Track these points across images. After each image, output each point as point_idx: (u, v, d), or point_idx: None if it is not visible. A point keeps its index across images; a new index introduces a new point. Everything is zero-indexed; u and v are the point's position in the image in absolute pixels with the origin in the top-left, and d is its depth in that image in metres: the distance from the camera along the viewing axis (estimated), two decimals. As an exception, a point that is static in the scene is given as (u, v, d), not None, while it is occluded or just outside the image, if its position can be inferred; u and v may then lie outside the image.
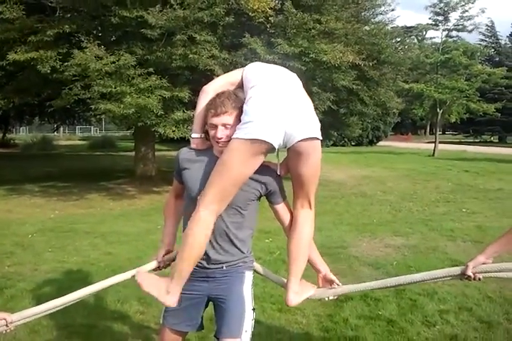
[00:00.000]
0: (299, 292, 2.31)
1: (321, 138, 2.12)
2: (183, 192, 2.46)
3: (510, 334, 3.59)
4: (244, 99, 2.20)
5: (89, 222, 8.01)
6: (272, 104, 2.07)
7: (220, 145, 2.22)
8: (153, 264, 2.42)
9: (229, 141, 2.17)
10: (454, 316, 4.00)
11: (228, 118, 2.19)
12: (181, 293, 2.34)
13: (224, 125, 2.19)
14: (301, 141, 2.05)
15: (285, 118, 2.03)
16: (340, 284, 2.39)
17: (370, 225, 7.76)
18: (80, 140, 37.75)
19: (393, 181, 13.70)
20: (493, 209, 9.11)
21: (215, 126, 2.20)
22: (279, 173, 2.28)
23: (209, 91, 2.34)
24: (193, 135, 2.37)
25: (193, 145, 2.37)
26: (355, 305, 4.21)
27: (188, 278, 2.26)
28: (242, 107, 2.21)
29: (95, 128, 48.91)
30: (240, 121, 2.17)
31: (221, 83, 2.40)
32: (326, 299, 2.41)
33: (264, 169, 2.23)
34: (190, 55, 8.71)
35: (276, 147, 2.07)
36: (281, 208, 2.34)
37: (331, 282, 2.40)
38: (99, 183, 12.62)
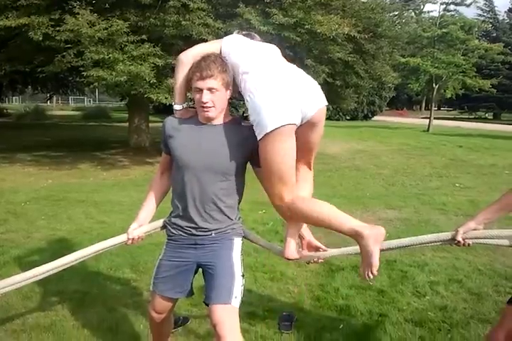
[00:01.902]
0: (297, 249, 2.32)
1: (326, 103, 2.14)
2: (169, 166, 2.44)
3: (499, 305, 3.63)
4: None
5: (83, 191, 8.00)
6: (277, 90, 2.02)
7: (205, 109, 2.20)
8: (124, 237, 2.40)
9: (214, 106, 2.19)
10: (444, 287, 4.04)
11: (214, 83, 2.16)
12: (170, 260, 2.38)
13: (209, 89, 2.16)
14: (318, 111, 2.07)
15: (295, 98, 2.02)
16: (326, 249, 2.38)
17: (363, 198, 7.79)
18: (73, 110, 37.36)
19: (387, 155, 13.71)
20: (486, 184, 9.15)
21: (200, 90, 2.16)
22: None
23: (186, 62, 2.28)
24: (176, 106, 2.34)
25: (177, 116, 2.35)
26: (346, 275, 4.24)
27: (176, 246, 2.36)
28: (227, 71, 2.20)
29: (89, 99, 48.51)
30: (226, 86, 2.19)
31: (198, 52, 2.31)
32: (312, 261, 2.40)
33: (246, 131, 2.21)
34: (184, 22, 8.59)
35: (299, 124, 2.06)
36: None
37: (316, 248, 2.39)
38: (92, 153, 12.58)
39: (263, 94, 2.03)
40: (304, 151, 2.21)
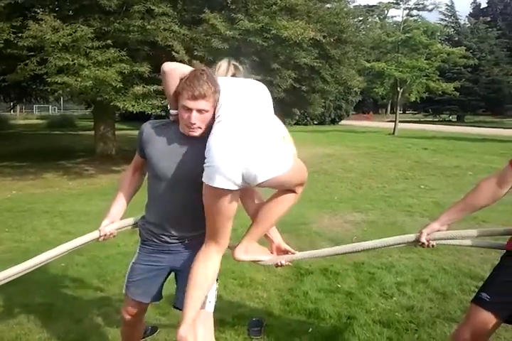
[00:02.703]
0: (249, 251, 2.29)
1: (286, 169, 1.98)
2: (142, 166, 2.43)
3: (464, 304, 3.70)
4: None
5: (48, 202, 7.86)
6: (231, 148, 1.91)
7: (191, 129, 2.15)
8: (96, 234, 2.39)
9: (200, 127, 2.13)
10: (411, 288, 4.10)
11: (205, 104, 2.08)
12: (143, 264, 2.39)
13: (199, 110, 2.09)
14: (265, 181, 1.95)
15: (244, 162, 1.90)
16: (295, 252, 2.39)
17: (331, 202, 7.86)
18: (37, 119, 36.65)
19: (354, 159, 13.86)
20: (451, 186, 9.33)
21: (190, 110, 2.09)
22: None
23: (175, 75, 2.16)
24: (172, 112, 2.26)
25: (173, 119, 2.28)
26: (315, 278, 4.27)
27: (150, 250, 2.36)
28: (218, 91, 2.12)
29: (53, 107, 47.59)
30: (214, 106, 2.11)
31: (185, 69, 2.20)
32: (279, 264, 2.38)
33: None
34: (148, 26, 8.54)
35: (237, 188, 1.97)
36: None
37: (285, 252, 2.40)
38: (57, 163, 12.38)
39: (214, 149, 1.94)
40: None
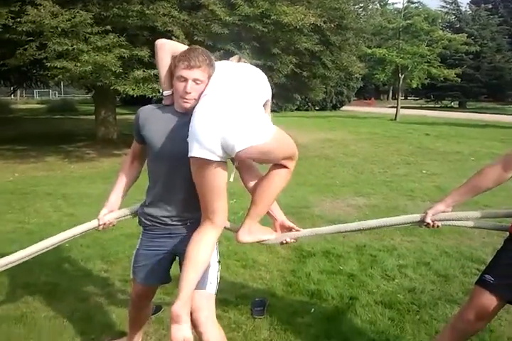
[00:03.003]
0: (252, 232, 2.29)
1: (265, 139, 1.97)
2: (141, 154, 2.44)
3: (466, 286, 3.73)
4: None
5: (51, 184, 7.88)
6: (208, 118, 1.95)
7: (185, 100, 2.16)
8: (95, 223, 2.40)
9: (194, 98, 2.14)
10: (413, 270, 4.13)
11: (200, 74, 2.12)
12: (147, 250, 2.40)
13: (195, 80, 2.12)
14: (243, 150, 1.95)
15: (221, 131, 1.93)
16: (299, 229, 2.40)
17: (332, 186, 7.87)
18: (38, 103, 36.53)
19: (356, 144, 13.85)
20: (452, 171, 9.34)
21: (185, 80, 2.12)
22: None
23: (167, 48, 2.23)
24: (165, 93, 2.29)
25: (166, 103, 2.31)
26: (317, 260, 4.30)
27: (152, 236, 2.37)
28: (213, 66, 2.16)
29: (54, 92, 47.40)
30: (208, 80, 2.15)
31: (177, 45, 2.28)
32: (284, 241, 2.39)
33: None
34: (147, 12, 8.47)
35: (219, 159, 1.99)
36: None
37: (289, 229, 2.41)
38: (59, 146, 12.36)
39: (195, 119, 2.00)
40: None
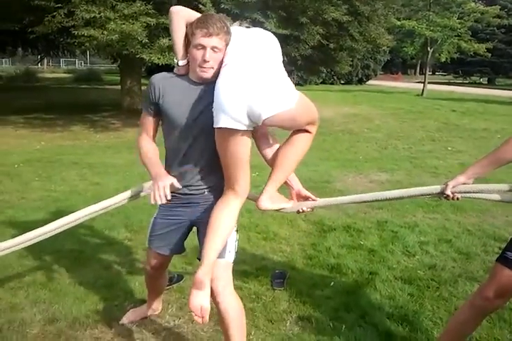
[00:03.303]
0: (274, 199, 2.27)
1: (290, 105, 1.98)
2: (155, 128, 2.36)
3: (487, 264, 3.72)
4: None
5: (77, 153, 8.00)
6: (234, 87, 1.94)
7: (204, 69, 2.12)
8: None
9: (212, 67, 2.12)
10: (434, 247, 4.12)
11: (219, 42, 2.08)
12: (164, 219, 2.40)
13: (213, 48, 2.08)
14: (269, 117, 1.95)
15: (247, 100, 1.92)
16: (316, 199, 2.37)
17: (356, 161, 7.83)
18: (64, 73, 36.76)
19: (381, 119, 13.70)
20: (478, 148, 9.21)
21: (204, 48, 2.08)
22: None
23: (182, 15, 2.17)
24: (181, 62, 2.22)
25: (180, 72, 2.25)
26: (338, 235, 4.31)
27: (170, 205, 2.33)
28: (230, 34, 2.13)
29: (80, 61, 47.60)
30: (226, 48, 2.12)
31: (192, 12, 2.20)
32: (301, 210, 2.36)
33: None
34: None
35: (245, 128, 1.99)
36: None
37: (305, 198, 2.38)
38: (84, 116, 12.50)
39: (219, 90, 1.98)
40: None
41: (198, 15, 2.18)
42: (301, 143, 2.21)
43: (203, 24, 2.07)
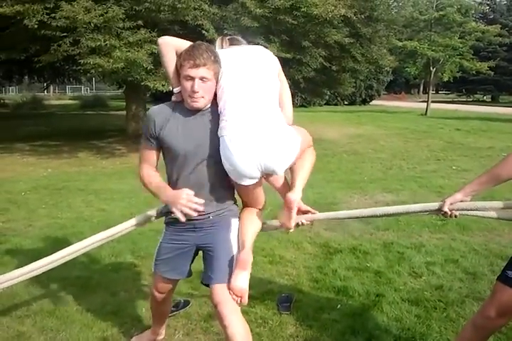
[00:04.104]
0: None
1: (297, 152, 2.22)
2: (155, 161, 2.40)
3: (494, 284, 3.69)
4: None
5: (82, 180, 8.06)
6: (248, 154, 2.10)
7: (194, 99, 2.18)
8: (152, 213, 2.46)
9: (203, 97, 2.18)
10: (441, 268, 4.10)
11: (206, 72, 2.14)
12: (170, 243, 2.44)
13: (201, 78, 2.14)
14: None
15: (261, 162, 2.12)
16: (315, 212, 2.45)
17: (361, 182, 7.84)
18: (70, 99, 37.17)
19: (385, 139, 13.74)
20: (483, 167, 9.15)
21: (192, 79, 2.14)
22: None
23: (170, 46, 2.24)
24: (175, 90, 2.29)
25: (175, 99, 2.31)
26: (344, 257, 4.31)
27: (175, 229, 2.42)
28: (218, 62, 2.18)
29: (86, 88, 48.22)
30: (216, 77, 2.19)
31: (180, 42, 2.28)
32: (300, 223, 2.42)
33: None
34: (179, 5, 8.53)
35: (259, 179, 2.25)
36: None
37: (305, 212, 2.44)
38: (90, 142, 12.62)
39: (230, 150, 2.10)
40: None
41: (187, 44, 2.25)
42: (308, 155, 2.40)
43: (190, 56, 2.13)
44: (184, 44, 2.25)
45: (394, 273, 3.97)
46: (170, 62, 2.25)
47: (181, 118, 2.27)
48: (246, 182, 2.20)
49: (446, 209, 2.21)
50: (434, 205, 2.28)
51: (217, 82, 2.23)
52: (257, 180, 2.22)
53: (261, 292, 3.57)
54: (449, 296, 3.53)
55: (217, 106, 2.23)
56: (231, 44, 2.47)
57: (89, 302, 3.44)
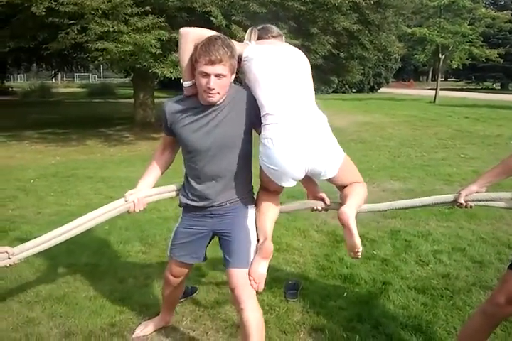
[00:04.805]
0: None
1: (343, 156, 2.26)
2: (172, 144, 2.49)
3: (501, 273, 3.68)
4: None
5: (91, 168, 8.09)
6: (295, 154, 2.11)
7: (209, 94, 2.17)
8: (121, 201, 2.44)
9: (219, 92, 2.17)
10: (447, 256, 4.10)
11: (222, 69, 2.11)
12: (187, 228, 2.48)
13: (218, 75, 2.12)
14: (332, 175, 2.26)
15: (309, 164, 2.16)
16: (329, 203, 2.50)
17: (368, 170, 7.81)
18: (78, 87, 37.20)
19: (393, 127, 13.68)
20: (491, 155, 9.15)
21: (208, 75, 2.11)
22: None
23: (191, 38, 2.17)
24: (186, 83, 2.27)
25: (187, 94, 2.31)
26: (351, 245, 4.31)
27: (193, 215, 2.46)
28: (235, 56, 2.16)
29: (93, 76, 48.22)
30: (232, 71, 2.17)
31: (204, 32, 2.21)
32: (315, 208, 2.51)
33: (240, 95, 2.29)
34: None
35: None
36: None
37: (320, 199, 2.49)
38: (98, 130, 12.65)
39: (278, 153, 2.12)
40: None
41: (210, 33, 2.20)
42: (359, 184, 2.43)
43: (206, 52, 2.08)
44: (207, 34, 2.19)
45: (401, 261, 3.97)
46: (185, 55, 2.20)
47: (194, 113, 2.28)
48: (288, 183, 2.21)
49: (461, 200, 2.26)
50: (449, 197, 2.33)
51: (236, 72, 2.22)
52: (295, 182, 2.25)
53: (268, 279, 3.52)
54: (455, 284, 3.53)
55: (228, 95, 2.25)
56: (259, 35, 2.46)
57: (98, 288, 3.47)
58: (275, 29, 2.53)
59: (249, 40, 2.41)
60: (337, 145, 2.23)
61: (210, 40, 2.12)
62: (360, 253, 2.20)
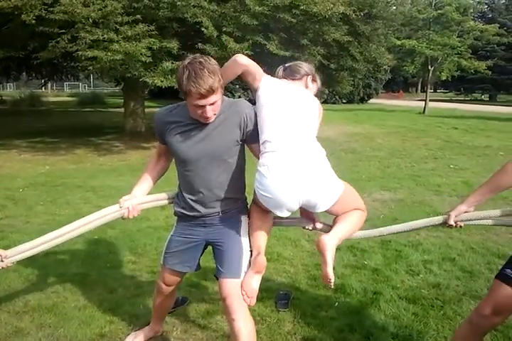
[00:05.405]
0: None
1: (341, 190, 2.23)
2: (166, 152, 2.48)
3: (491, 282, 3.69)
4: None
5: (80, 177, 8.03)
6: (290, 184, 2.10)
7: (206, 120, 2.20)
8: (116, 207, 2.44)
9: (214, 114, 2.19)
10: (438, 266, 4.12)
11: (215, 97, 2.12)
12: (180, 237, 2.48)
13: (212, 104, 2.13)
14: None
15: (303, 195, 2.13)
16: (319, 226, 2.49)
17: (358, 180, 7.83)
18: (68, 96, 37.09)
19: (383, 138, 13.75)
20: (480, 165, 9.22)
21: (202, 106, 2.12)
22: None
23: (237, 70, 2.35)
24: None
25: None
26: (341, 255, 4.31)
27: (187, 224, 2.46)
28: (221, 76, 2.14)
29: (83, 85, 48.12)
30: (222, 88, 2.17)
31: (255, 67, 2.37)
32: (306, 228, 2.51)
33: (234, 107, 2.29)
34: (178, 3, 8.51)
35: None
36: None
37: (311, 220, 2.48)
38: (88, 139, 12.59)
39: (276, 178, 2.11)
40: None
41: (257, 70, 2.37)
42: (356, 212, 2.42)
43: (196, 88, 2.04)
44: (255, 71, 2.37)
45: (391, 271, 3.98)
46: (224, 76, 2.25)
47: (185, 123, 2.29)
48: (282, 213, 2.20)
49: (451, 222, 2.29)
50: (439, 219, 2.37)
51: (222, 90, 2.21)
52: (289, 213, 2.24)
53: (259, 289, 3.57)
54: (446, 294, 3.54)
55: (222, 112, 2.26)
56: (284, 73, 2.57)
57: (87, 298, 3.44)
58: (302, 71, 2.61)
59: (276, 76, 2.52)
60: (335, 179, 2.22)
61: (195, 71, 2.05)
62: (332, 284, 2.12)
